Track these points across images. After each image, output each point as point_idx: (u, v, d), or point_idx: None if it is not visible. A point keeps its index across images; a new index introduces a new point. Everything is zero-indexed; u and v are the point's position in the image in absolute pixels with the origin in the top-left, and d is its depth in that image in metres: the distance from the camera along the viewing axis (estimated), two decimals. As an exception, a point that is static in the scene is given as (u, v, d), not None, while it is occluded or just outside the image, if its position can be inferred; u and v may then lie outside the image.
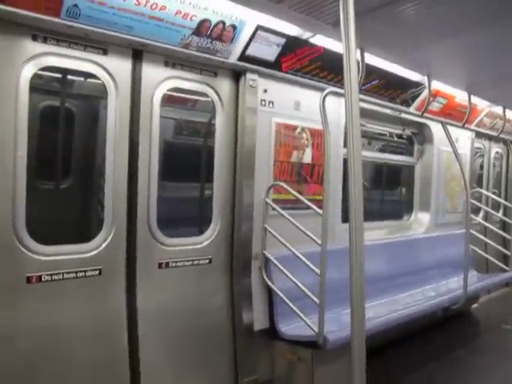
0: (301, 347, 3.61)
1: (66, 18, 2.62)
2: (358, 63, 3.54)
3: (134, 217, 3.21)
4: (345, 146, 4.29)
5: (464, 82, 4.98)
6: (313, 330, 3.32)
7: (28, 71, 2.74)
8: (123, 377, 3.13)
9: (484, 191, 7.07)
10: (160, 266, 3.34)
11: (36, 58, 2.77)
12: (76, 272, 2.94)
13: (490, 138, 7.42)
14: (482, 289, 5.73)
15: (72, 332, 2.92)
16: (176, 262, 3.41)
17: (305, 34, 3.53)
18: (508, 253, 6.06)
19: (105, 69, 3.05)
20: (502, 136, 7.14)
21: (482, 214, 7.06)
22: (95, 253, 3.04)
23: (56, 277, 2.86)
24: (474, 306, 6.13)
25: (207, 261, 3.59)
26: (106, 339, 3.07)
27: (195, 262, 3.52)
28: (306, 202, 3.62)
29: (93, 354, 3.00)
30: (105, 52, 3.03)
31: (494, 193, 7.64)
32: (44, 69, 2.86)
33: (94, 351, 3.00)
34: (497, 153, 7.91)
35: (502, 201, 7.32)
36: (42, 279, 2.80)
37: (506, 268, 5.82)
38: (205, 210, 3.71)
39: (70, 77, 3.16)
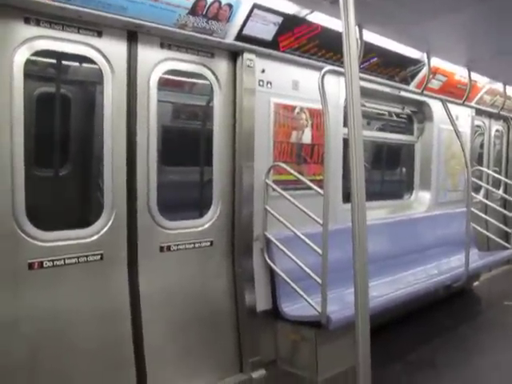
0: (304, 327, 3.63)
1: (57, 0, 2.57)
2: (357, 40, 3.50)
3: (134, 201, 3.19)
4: (345, 125, 4.26)
5: (464, 58, 4.93)
6: (316, 309, 3.33)
7: (21, 55, 2.69)
8: (128, 361, 3.15)
9: (485, 169, 7.05)
10: (161, 249, 3.34)
11: (29, 42, 2.71)
12: (78, 257, 2.94)
13: (490, 115, 7.37)
14: (483, 266, 5.75)
15: (75, 317, 2.92)
16: (177, 245, 3.41)
17: (302, 12, 3.48)
18: (509, 230, 6.07)
19: (100, 51, 2.99)
20: (502, 113, 7.10)
21: (482, 192, 7.05)
22: (96, 238, 3.03)
23: (58, 262, 2.85)
24: (476, 283, 6.16)
25: (209, 243, 3.59)
26: (109, 324, 3.07)
27: (197, 245, 3.51)
28: (307, 182, 3.60)
29: (96, 338, 3.01)
30: (99, 34, 2.97)
31: (494, 171, 7.62)
32: (38, 53, 2.81)
33: (97, 336, 3.01)
34: (497, 130, 7.87)
35: (502, 178, 7.31)
36: (44, 265, 2.80)
37: (507, 245, 5.83)
38: (205, 193, 3.69)
39: (64, 61, 3.11)
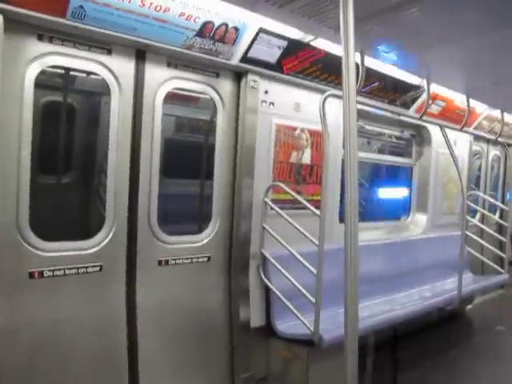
0: (296, 345, 3.65)
1: (71, 19, 2.66)
2: (358, 66, 3.59)
3: (134, 214, 3.25)
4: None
5: (463, 86, 5.02)
6: (309, 328, 3.37)
7: (33, 71, 2.79)
8: (122, 371, 3.19)
9: (481, 193, 7.11)
10: (160, 263, 3.39)
11: (41, 58, 2.81)
12: (77, 268, 2.99)
13: (488, 141, 7.46)
14: (476, 290, 5.76)
15: (73, 327, 2.97)
16: (175, 259, 3.46)
17: (306, 37, 3.57)
18: (503, 255, 6.11)
19: (108, 68, 3.09)
20: (499, 139, 7.18)
21: (478, 216, 7.11)
22: (96, 249, 3.09)
23: (58, 272, 2.91)
24: (469, 307, 6.18)
25: (206, 259, 3.64)
26: (105, 335, 3.12)
27: (194, 260, 3.57)
28: (305, 202, 3.65)
29: (92, 349, 3.05)
30: (109, 52, 3.07)
31: (491, 195, 7.68)
32: (49, 68, 2.90)
33: (93, 346, 3.06)
34: (495, 155, 7.96)
35: (498, 203, 7.36)
36: (44, 275, 2.85)
37: (501, 270, 5.86)
38: (204, 209, 3.75)
39: (73, 76, 3.20)
